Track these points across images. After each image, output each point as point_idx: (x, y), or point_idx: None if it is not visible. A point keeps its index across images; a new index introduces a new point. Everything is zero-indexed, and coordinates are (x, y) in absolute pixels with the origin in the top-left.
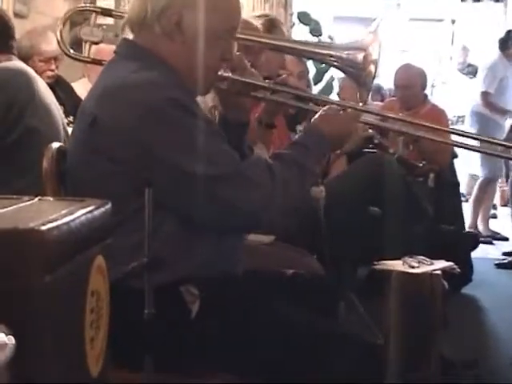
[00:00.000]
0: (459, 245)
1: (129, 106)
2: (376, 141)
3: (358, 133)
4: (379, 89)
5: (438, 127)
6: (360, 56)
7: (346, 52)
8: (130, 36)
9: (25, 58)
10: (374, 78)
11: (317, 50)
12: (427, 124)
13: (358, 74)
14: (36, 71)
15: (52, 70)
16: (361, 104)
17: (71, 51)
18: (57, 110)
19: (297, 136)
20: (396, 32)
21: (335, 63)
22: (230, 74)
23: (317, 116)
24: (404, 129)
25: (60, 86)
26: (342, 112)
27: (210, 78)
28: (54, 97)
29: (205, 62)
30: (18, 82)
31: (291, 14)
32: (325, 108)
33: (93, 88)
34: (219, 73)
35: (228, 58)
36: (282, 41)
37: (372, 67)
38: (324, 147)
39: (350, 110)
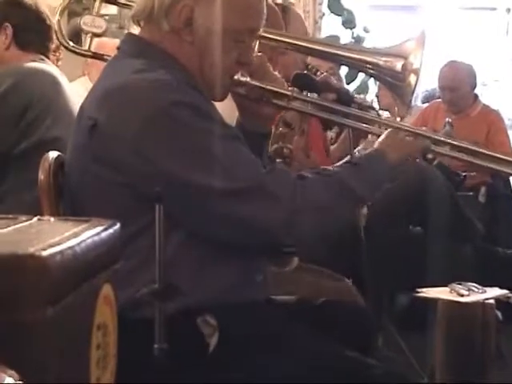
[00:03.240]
0: None
1: (130, 111)
2: None
3: None
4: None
5: None
6: (399, 64)
7: (384, 59)
8: (137, 31)
9: None
10: (414, 90)
11: (349, 55)
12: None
13: (396, 84)
14: None
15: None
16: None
17: (71, 44)
18: None
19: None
20: (443, 22)
21: (370, 70)
22: (248, 79)
23: (382, 138)
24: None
25: None
26: (409, 138)
27: (224, 82)
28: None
29: (217, 65)
30: (38, 84)
31: (320, 3)
32: (393, 131)
33: (93, 88)
34: (235, 77)
35: (245, 63)
36: (310, 42)
37: (413, 77)
38: (384, 175)
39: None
